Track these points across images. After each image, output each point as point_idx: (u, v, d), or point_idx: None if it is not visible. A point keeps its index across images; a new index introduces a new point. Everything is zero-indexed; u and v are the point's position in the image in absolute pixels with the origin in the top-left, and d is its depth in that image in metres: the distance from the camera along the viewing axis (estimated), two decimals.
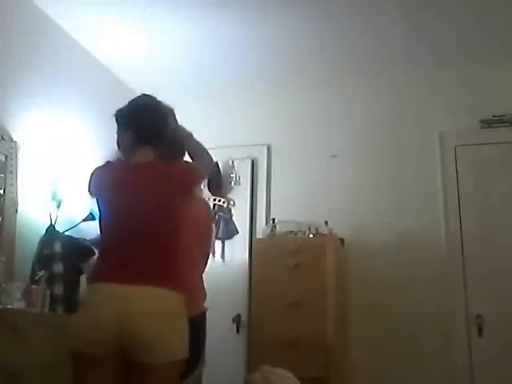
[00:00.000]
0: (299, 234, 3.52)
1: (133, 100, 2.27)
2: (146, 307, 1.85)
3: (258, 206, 3.93)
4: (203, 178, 2.40)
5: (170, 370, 1.86)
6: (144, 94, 2.31)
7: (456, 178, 3.59)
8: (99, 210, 2.08)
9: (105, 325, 1.81)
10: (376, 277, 3.54)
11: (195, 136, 2.38)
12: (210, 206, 2.84)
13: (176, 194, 2.04)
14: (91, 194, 2.11)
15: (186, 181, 2.12)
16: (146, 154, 2.09)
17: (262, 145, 4.05)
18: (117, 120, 2.20)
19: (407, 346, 3.41)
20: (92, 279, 1.98)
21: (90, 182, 2.09)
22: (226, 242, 3.91)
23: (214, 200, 3.95)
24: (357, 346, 3.49)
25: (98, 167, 2.12)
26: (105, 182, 2.08)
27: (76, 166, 3.15)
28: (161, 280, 1.91)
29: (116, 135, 2.18)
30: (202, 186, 4.00)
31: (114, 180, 2.07)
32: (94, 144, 3.57)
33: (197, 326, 2.26)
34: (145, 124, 2.18)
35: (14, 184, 2.85)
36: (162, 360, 1.82)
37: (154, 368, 1.82)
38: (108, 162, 2.15)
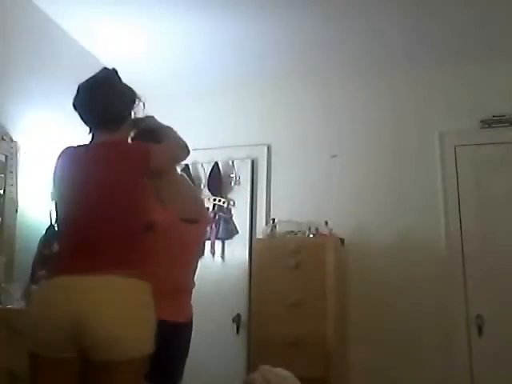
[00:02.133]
0: (299, 234, 3.52)
1: (79, 85, 2.11)
2: (103, 298, 1.69)
3: (258, 206, 3.93)
4: (172, 159, 2.14)
5: (133, 368, 1.71)
6: (93, 76, 2.14)
7: (456, 178, 3.59)
8: (56, 198, 1.94)
9: (59, 324, 1.67)
10: (376, 277, 3.54)
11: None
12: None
13: (132, 175, 1.88)
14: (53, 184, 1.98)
15: (142, 160, 1.91)
16: (102, 136, 1.97)
17: (262, 145, 4.05)
18: (74, 107, 2.06)
19: (407, 345, 3.41)
20: (46, 276, 1.85)
21: (54, 168, 1.96)
22: (226, 241, 3.91)
23: (214, 200, 3.95)
24: (357, 346, 3.49)
25: (60, 153, 1.98)
26: (62, 169, 1.96)
27: None
28: (119, 267, 1.75)
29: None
30: (202, 186, 4.02)
31: (69, 167, 1.95)
32: None
33: (190, 331, 2.24)
34: (92, 108, 2.01)
35: (14, 184, 2.85)
36: (123, 356, 1.67)
37: (115, 365, 1.67)
38: (67, 148, 2.01)
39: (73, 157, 1.99)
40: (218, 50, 3.62)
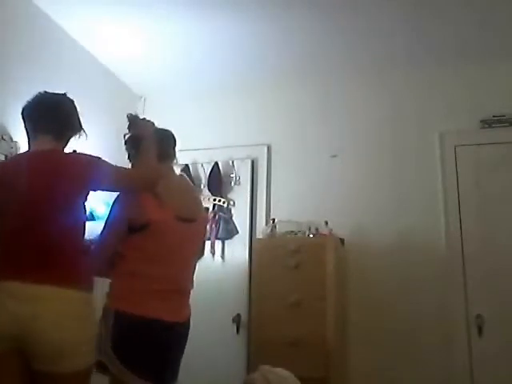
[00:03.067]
0: (299, 234, 3.52)
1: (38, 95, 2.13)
2: (48, 309, 1.72)
3: (258, 206, 3.93)
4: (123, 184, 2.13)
5: (80, 379, 1.75)
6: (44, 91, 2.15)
7: (456, 178, 3.59)
8: None
9: (4, 331, 1.69)
10: (376, 277, 3.54)
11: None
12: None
13: (70, 186, 1.89)
14: None
15: (81, 173, 1.93)
16: (45, 143, 1.99)
17: (262, 145, 4.05)
18: (22, 116, 2.10)
19: (407, 345, 3.41)
20: None
21: None
22: (226, 241, 3.91)
23: (214, 200, 3.95)
24: (357, 346, 3.49)
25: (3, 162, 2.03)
26: (1, 176, 1.97)
27: None
28: (62, 278, 1.77)
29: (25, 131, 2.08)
30: (202, 186, 4.02)
31: (7, 173, 1.97)
32: (94, 144, 3.57)
33: (187, 330, 2.24)
34: (41, 112, 2.06)
35: None
36: (70, 369, 1.70)
37: (62, 377, 1.70)
38: (13, 156, 2.07)
39: (12, 163, 2.03)
40: (217, 50, 3.62)
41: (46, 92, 2.12)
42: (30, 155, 2.01)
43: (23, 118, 2.09)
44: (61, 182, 1.89)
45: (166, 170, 2.30)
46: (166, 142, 2.39)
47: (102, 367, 2.01)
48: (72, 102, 2.17)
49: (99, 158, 2.03)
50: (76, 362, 1.74)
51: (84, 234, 1.97)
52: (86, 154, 2.05)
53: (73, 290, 1.79)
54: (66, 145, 2.13)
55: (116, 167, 2.06)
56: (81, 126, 2.17)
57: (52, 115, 2.07)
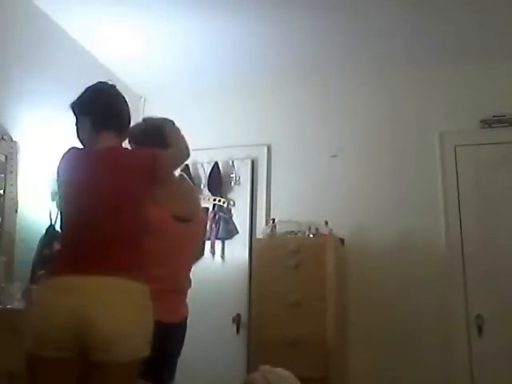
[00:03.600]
0: (299, 234, 3.52)
1: (87, 88, 2.11)
2: (103, 299, 1.71)
3: (258, 206, 3.93)
4: (174, 165, 2.23)
5: (128, 370, 1.74)
6: (100, 82, 2.14)
7: (456, 178, 3.59)
8: (60, 198, 1.97)
9: (60, 324, 1.68)
10: (376, 277, 3.54)
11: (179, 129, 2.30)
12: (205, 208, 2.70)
13: (139, 180, 1.93)
14: (58, 183, 1.98)
15: (149, 167, 1.97)
16: (108, 140, 1.99)
17: (262, 145, 4.05)
18: (74, 110, 2.07)
19: (407, 345, 3.41)
20: (47, 275, 1.86)
21: (58, 168, 1.98)
22: (226, 241, 3.91)
23: (214, 200, 3.95)
24: (357, 346, 3.49)
25: (65, 153, 2.00)
26: (67, 170, 1.97)
27: None
28: (121, 269, 1.78)
29: (76, 127, 2.08)
30: (202, 186, 4.02)
31: (74, 167, 1.97)
32: None
33: (184, 330, 2.25)
34: (103, 107, 2.05)
35: (14, 184, 2.85)
36: (120, 358, 1.70)
37: (112, 366, 1.70)
38: (72, 148, 2.02)
39: (78, 158, 2.00)
40: (217, 50, 3.62)
41: (102, 83, 2.11)
42: (97, 152, 1.99)
43: (80, 112, 2.06)
44: (130, 176, 1.92)
45: None
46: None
47: None
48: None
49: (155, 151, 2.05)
50: (128, 353, 1.73)
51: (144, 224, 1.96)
52: (145, 149, 2.10)
53: (127, 280, 1.78)
54: (123, 140, 2.13)
55: (166, 155, 2.09)
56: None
57: (116, 110, 2.09)
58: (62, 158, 2.00)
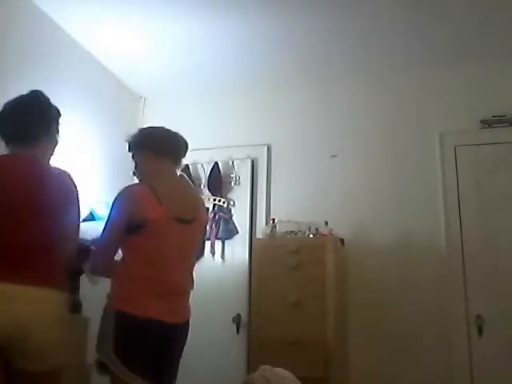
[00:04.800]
0: (299, 234, 3.52)
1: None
2: (39, 310, 1.78)
3: (258, 206, 3.93)
4: None
5: (56, 379, 1.82)
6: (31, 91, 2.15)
7: (456, 177, 3.59)
8: None
9: None
10: (376, 277, 3.54)
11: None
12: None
13: (56, 200, 1.95)
14: None
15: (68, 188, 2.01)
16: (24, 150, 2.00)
17: (262, 145, 4.05)
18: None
19: (407, 345, 3.41)
20: None
21: None
22: (226, 241, 3.91)
23: (214, 200, 3.95)
24: (356, 346, 3.49)
25: None
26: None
27: (75, 166, 3.15)
28: (47, 279, 1.82)
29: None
30: (202, 186, 4.02)
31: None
32: (94, 143, 3.57)
33: (187, 331, 2.25)
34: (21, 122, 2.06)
35: None
36: (47, 368, 1.77)
37: (40, 375, 1.77)
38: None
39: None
40: (218, 50, 3.62)
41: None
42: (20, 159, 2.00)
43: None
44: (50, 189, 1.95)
45: (167, 170, 2.30)
46: (177, 144, 2.38)
47: (102, 367, 2.01)
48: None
49: None
50: (54, 361, 1.81)
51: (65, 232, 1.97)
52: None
53: (53, 291, 1.84)
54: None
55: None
56: None
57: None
58: None
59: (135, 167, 2.37)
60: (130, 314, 2.01)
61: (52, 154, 2.12)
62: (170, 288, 2.13)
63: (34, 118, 2.05)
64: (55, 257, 1.90)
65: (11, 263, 1.81)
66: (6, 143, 2.02)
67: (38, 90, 2.11)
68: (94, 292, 2.30)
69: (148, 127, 2.48)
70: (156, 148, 2.30)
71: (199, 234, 2.39)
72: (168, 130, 2.39)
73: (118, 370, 1.97)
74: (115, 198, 2.18)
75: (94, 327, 2.15)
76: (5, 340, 1.74)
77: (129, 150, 2.36)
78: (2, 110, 2.07)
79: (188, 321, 2.24)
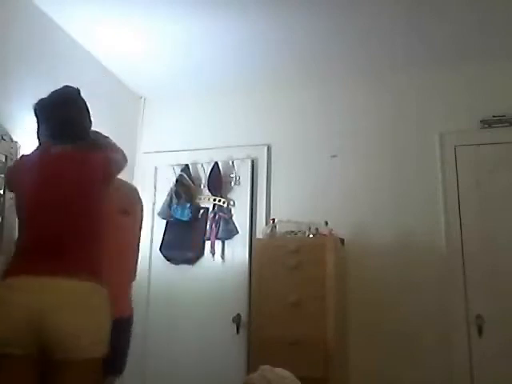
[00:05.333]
0: (299, 234, 3.52)
1: (54, 91, 2.20)
2: (65, 301, 1.79)
3: (258, 206, 3.93)
4: (120, 170, 2.29)
5: (87, 368, 1.81)
6: (66, 86, 2.21)
7: (456, 177, 3.59)
8: (16, 203, 2.06)
9: (16, 322, 1.76)
10: (376, 277, 3.54)
11: None
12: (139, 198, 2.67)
13: (94, 182, 2.01)
14: (9, 188, 2.10)
15: (105, 170, 2.07)
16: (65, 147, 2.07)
17: (262, 145, 4.05)
18: (35, 112, 2.16)
19: (407, 345, 3.41)
20: (3, 276, 1.91)
21: (6, 175, 2.11)
22: (226, 241, 3.91)
23: (214, 200, 3.95)
24: (357, 346, 3.49)
25: (16, 161, 2.11)
26: (20, 175, 2.06)
27: None
28: (76, 270, 1.84)
29: (36, 126, 2.15)
30: (202, 186, 4.02)
31: (29, 171, 2.04)
32: None
33: (129, 326, 2.27)
34: (65, 121, 2.14)
35: None
36: (79, 357, 1.77)
37: (71, 365, 1.77)
38: (23, 156, 2.14)
39: (35, 161, 2.06)
40: (218, 50, 3.62)
41: None
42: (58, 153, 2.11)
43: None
44: (85, 179, 2.05)
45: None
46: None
47: None
48: None
49: None
50: (92, 350, 1.81)
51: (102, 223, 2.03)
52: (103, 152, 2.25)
53: (81, 281, 1.84)
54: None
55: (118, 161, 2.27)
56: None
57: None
58: (16, 163, 2.18)
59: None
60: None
61: None
62: (111, 279, 2.08)
63: (77, 115, 2.16)
64: (88, 248, 1.93)
65: (44, 255, 1.87)
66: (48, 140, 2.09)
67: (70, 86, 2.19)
68: None
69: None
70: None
71: (137, 228, 2.41)
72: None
73: None
74: None
75: None
76: (39, 330, 1.75)
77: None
78: (42, 108, 2.14)
79: (129, 315, 2.26)
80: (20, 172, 2.08)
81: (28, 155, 2.13)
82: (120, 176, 2.27)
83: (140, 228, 2.48)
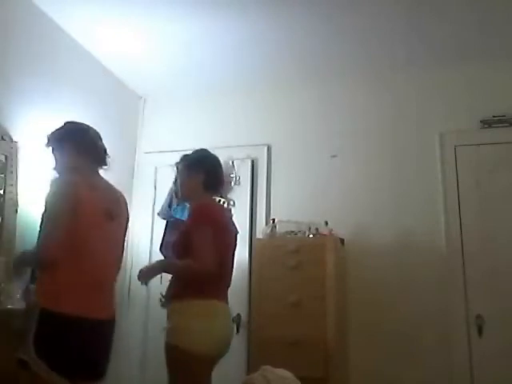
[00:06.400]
0: (299, 234, 3.52)
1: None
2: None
3: (258, 206, 3.93)
4: None
5: None
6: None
7: (456, 177, 3.59)
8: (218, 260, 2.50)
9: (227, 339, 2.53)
10: (376, 277, 3.54)
11: None
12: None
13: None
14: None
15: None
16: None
17: (262, 145, 4.05)
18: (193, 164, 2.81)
19: (407, 346, 3.41)
20: (212, 297, 2.44)
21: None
22: None
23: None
24: (356, 346, 3.49)
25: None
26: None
27: None
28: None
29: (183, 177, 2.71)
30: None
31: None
32: None
33: (112, 328, 2.29)
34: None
35: (14, 184, 2.85)
36: None
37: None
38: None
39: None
40: (218, 49, 3.62)
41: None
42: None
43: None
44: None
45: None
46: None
47: (23, 365, 1.97)
48: None
49: None
50: None
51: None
52: None
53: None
54: None
55: None
56: None
57: None
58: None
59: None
60: (54, 311, 1.98)
61: None
62: (94, 280, 2.12)
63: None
64: None
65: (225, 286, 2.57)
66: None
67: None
68: None
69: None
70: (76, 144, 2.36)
71: (122, 230, 2.41)
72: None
73: (40, 370, 1.94)
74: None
75: None
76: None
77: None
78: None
79: (114, 317, 2.24)
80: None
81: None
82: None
83: (124, 235, 2.46)
